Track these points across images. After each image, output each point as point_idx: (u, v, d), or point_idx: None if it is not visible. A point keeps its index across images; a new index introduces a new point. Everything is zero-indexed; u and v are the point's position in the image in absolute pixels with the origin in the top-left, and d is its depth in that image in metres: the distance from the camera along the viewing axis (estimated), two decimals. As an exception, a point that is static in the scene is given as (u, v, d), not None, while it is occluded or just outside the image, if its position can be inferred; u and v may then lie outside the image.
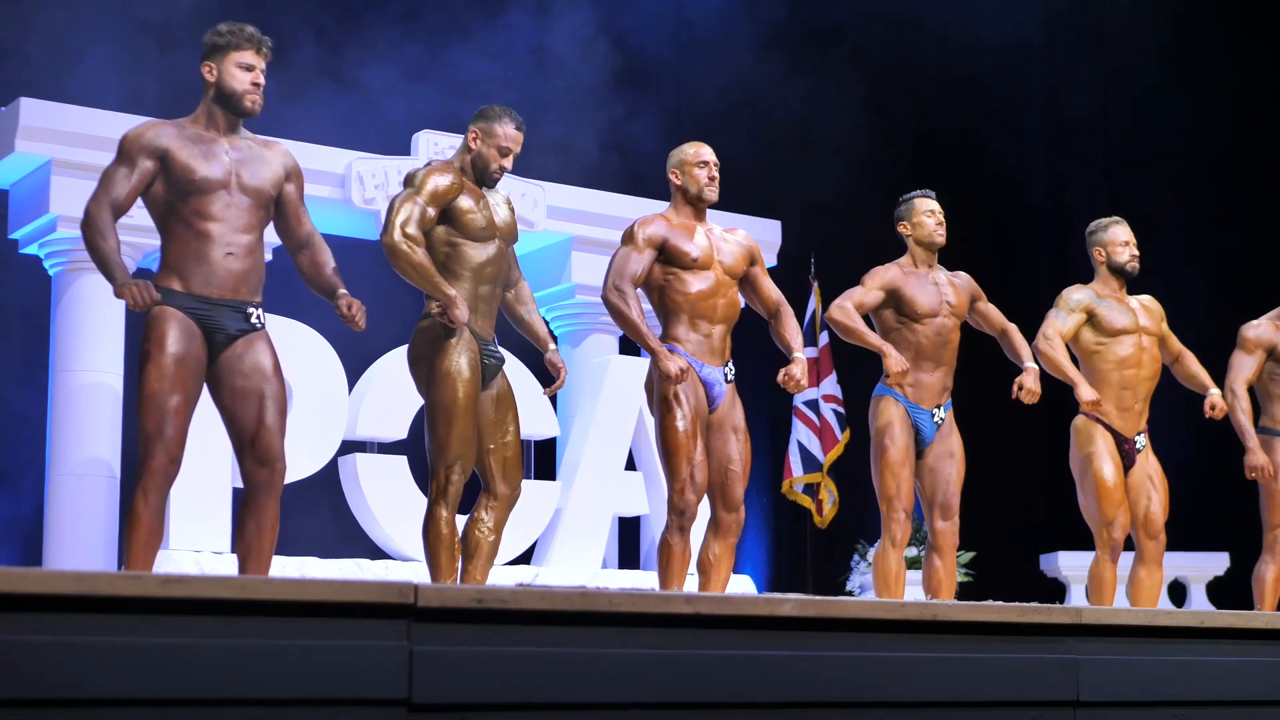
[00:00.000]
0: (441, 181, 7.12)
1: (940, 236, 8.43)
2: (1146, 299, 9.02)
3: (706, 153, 7.77)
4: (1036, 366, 8.45)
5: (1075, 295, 8.83)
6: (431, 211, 7.04)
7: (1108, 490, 8.65)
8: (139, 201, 6.56)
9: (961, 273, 8.56)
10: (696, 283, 7.64)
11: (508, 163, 7.25)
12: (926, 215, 8.43)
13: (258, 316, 6.54)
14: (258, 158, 6.65)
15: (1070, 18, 15.46)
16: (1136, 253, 8.90)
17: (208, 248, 6.45)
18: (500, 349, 7.31)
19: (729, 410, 7.65)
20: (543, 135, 12.75)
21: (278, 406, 6.52)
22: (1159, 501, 8.81)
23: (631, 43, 13.28)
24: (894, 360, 8.05)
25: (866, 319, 8.32)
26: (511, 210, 7.44)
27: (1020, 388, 8.36)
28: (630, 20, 13.34)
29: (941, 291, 8.37)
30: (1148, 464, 8.81)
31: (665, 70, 13.75)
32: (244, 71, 6.56)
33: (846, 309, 8.20)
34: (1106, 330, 8.77)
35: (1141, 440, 8.81)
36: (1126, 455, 8.77)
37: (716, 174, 7.77)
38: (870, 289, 8.32)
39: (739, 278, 7.80)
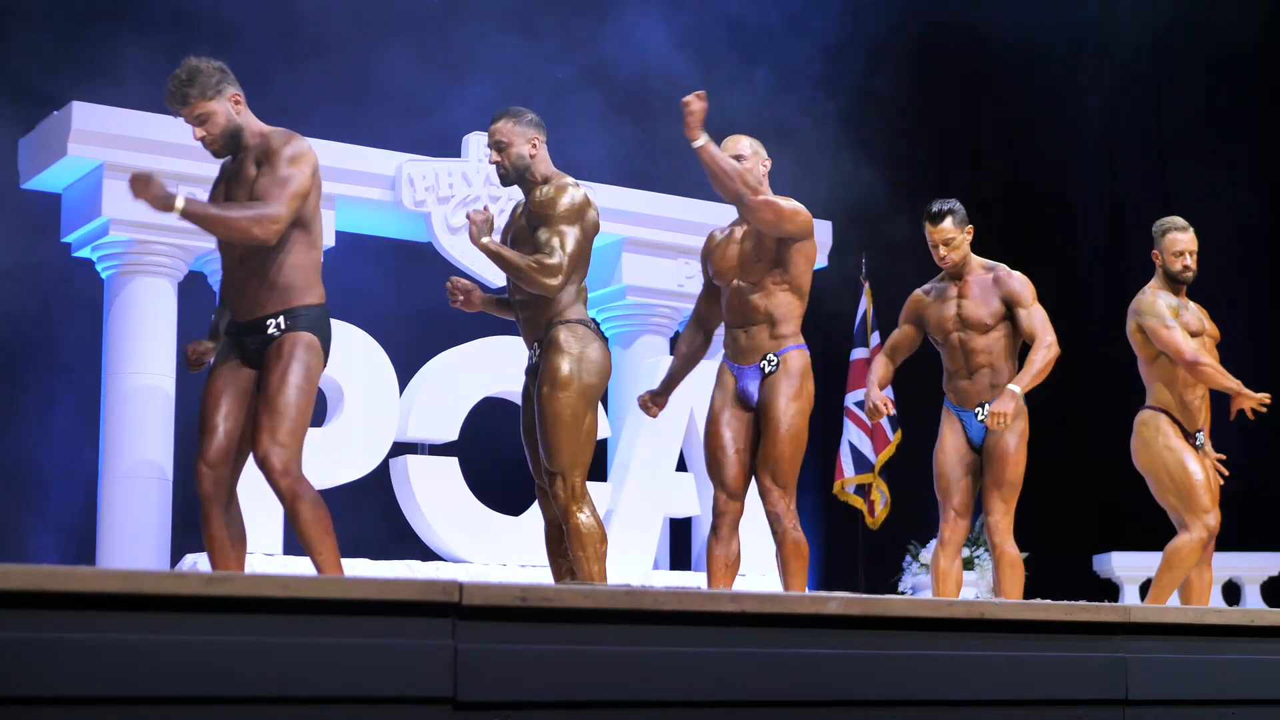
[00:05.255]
0: None
1: (943, 263, 8.33)
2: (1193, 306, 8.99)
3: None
4: (1017, 390, 8.21)
5: (1160, 304, 8.79)
6: None
7: (1196, 478, 8.70)
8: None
9: (1006, 276, 8.36)
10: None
11: (493, 155, 7.17)
12: (931, 246, 8.34)
13: (276, 325, 6.44)
14: (242, 164, 6.48)
15: (1127, 28, 15.38)
16: (1189, 263, 8.83)
17: (234, 278, 6.49)
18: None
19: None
20: (595, 138, 12.77)
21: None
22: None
23: (683, 45, 13.27)
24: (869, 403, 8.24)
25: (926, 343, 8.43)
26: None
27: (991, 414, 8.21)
28: (682, 21, 13.34)
29: (956, 307, 8.31)
30: (1214, 463, 8.81)
31: (717, 72, 13.73)
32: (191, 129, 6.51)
33: (875, 365, 8.47)
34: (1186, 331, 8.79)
35: (1201, 438, 8.80)
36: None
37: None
38: (901, 325, 8.49)
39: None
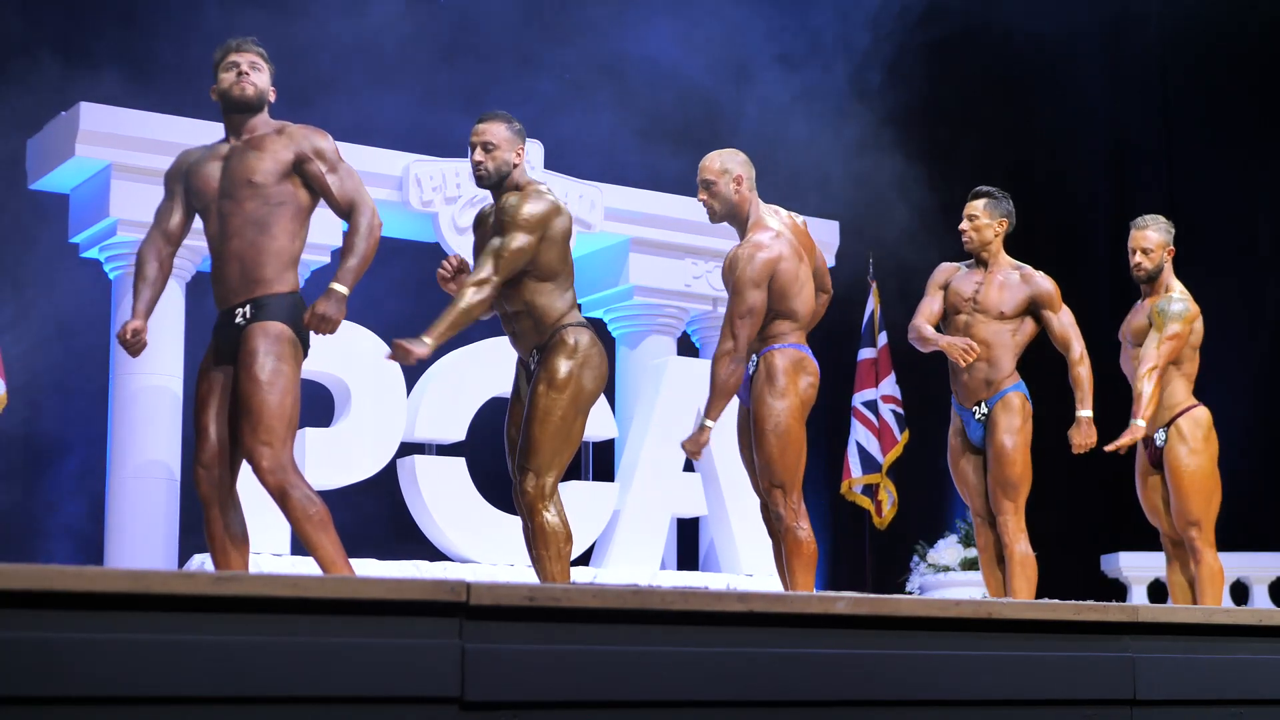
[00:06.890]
0: None
1: (965, 239, 8.36)
2: (1160, 299, 8.77)
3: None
4: (1088, 415, 8.31)
5: None
6: None
7: (1140, 496, 8.88)
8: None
9: (1037, 278, 8.36)
10: None
11: (477, 154, 7.10)
12: (962, 219, 8.40)
13: (243, 315, 6.46)
14: (256, 148, 6.55)
15: (1137, 32, 15.37)
16: (1138, 260, 8.71)
17: (216, 265, 6.52)
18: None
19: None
20: (602, 137, 12.76)
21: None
22: (1174, 501, 8.69)
23: (690, 47, 13.27)
24: (949, 345, 8.12)
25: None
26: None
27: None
28: (690, 24, 13.33)
29: (975, 289, 8.31)
30: (1167, 462, 8.70)
31: (726, 76, 13.74)
32: (227, 71, 6.59)
33: (915, 325, 8.32)
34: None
35: (1160, 436, 8.72)
36: (1154, 457, 8.77)
37: (703, 194, 7.57)
38: (930, 292, 8.40)
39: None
